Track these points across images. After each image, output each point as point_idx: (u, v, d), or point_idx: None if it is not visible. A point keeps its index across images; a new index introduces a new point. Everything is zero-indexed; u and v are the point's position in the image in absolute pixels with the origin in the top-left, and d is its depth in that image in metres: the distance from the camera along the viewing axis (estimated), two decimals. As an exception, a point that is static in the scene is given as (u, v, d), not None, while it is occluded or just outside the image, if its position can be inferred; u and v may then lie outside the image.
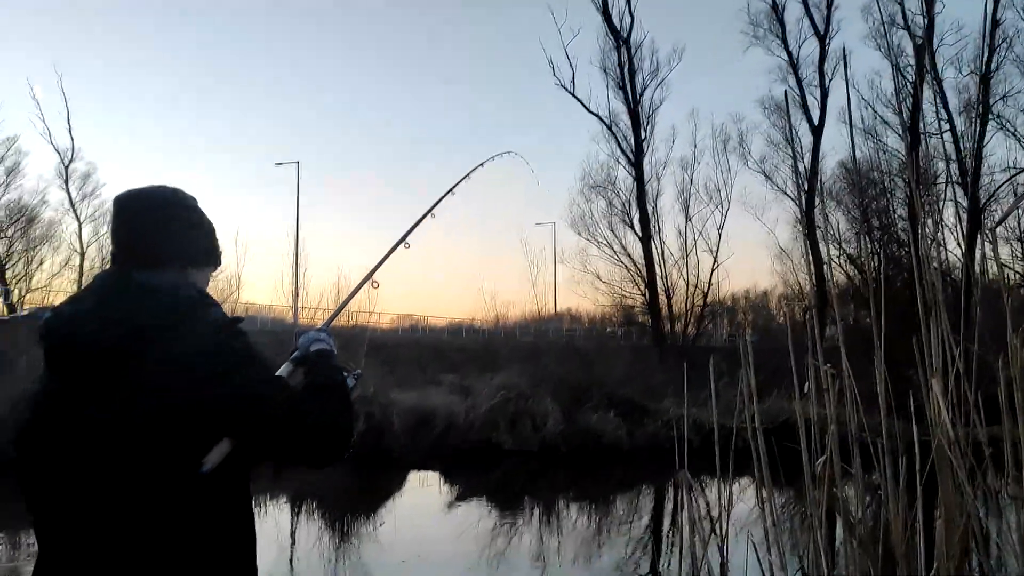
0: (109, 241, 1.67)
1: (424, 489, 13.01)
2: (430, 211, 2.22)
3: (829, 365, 1.78)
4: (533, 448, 14.76)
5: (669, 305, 28.86)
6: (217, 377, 1.43)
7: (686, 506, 1.96)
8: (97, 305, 1.51)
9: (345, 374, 1.70)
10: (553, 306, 33.11)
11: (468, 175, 2.39)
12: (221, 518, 1.49)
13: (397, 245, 2.13)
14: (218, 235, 1.75)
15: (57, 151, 31.00)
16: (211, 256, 1.74)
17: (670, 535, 9.71)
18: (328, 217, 47.28)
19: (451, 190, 2.28)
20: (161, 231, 1.63)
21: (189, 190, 1.73)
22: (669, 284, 29.00)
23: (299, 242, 29.58)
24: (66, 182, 30.85)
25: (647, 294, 28.43)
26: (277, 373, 1.66)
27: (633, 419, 15.78)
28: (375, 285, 2.05)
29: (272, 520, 9.82)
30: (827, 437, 1.81)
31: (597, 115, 29.31)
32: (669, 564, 7.85)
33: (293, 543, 8.73)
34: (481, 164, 2.46)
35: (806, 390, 1.83)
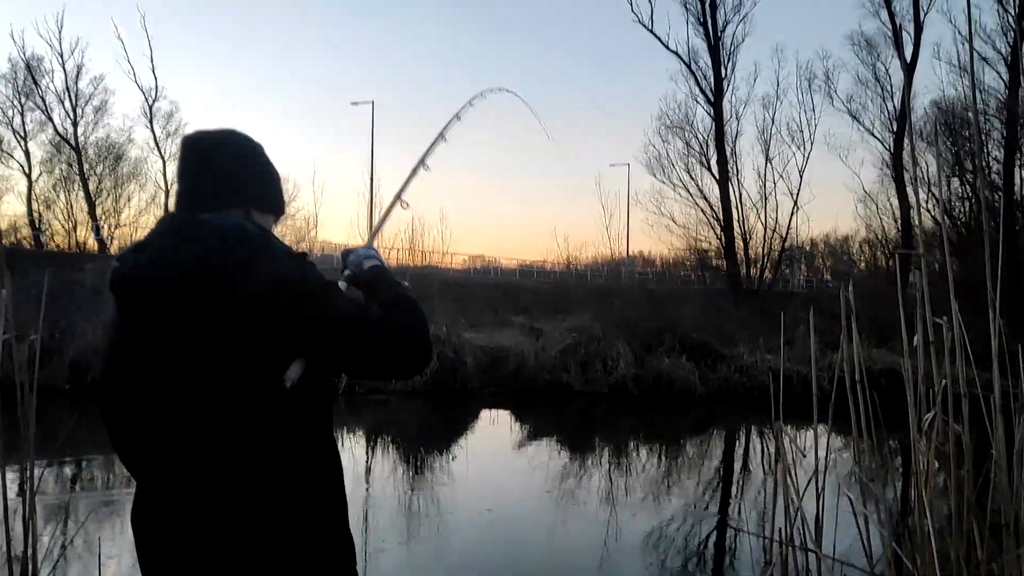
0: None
1: (495, 427, 13.22)
2: (441, 134, 2.18)
3: (945, 318, 1.69)
4: (603, 390, 14.83)
5: (745, 249, 28.25)
6: (298, 302, 1.44)
7: (782, 456, 1.91)
8: (167, 249, 1.50)
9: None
10: (626, 249, 32.82)
11: (470, 102, 2.30)
12: (308, 439, 1.52)
13: (417, 168, 2.11)
14: (283, 184, 1.76)
15: (141, 90, 32.01)
16: (276, 202, 1.75)
17: (742, 482, 9.67)
18: (402, 157, 47.53)
19: (453, 119, 2.21)
20: (227, 173, 1.65)
21: (266, 131, 1.73)
22: (746, 228, 28.36)
23: (374, 181, 29.93)
24: (150, 121, 31.81)
25: (723, 238, 27.86)
26: None
27: (706, 364, 15.64)
28: (404, 206, 2.05)
29: (348, 453, 10.15)
30: (934, 391, 1.72)
31: (676, 52, 28.47)
32: (739, 511, 7.82)
33: (368, 474, 9.01)
34: (470, 102, 2.32)
35: (915, 343, 1.74)
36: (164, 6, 49.02)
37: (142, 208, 31.99)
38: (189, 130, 1.79)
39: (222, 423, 1.42)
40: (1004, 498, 1.64)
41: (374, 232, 2.01)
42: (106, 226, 30.89)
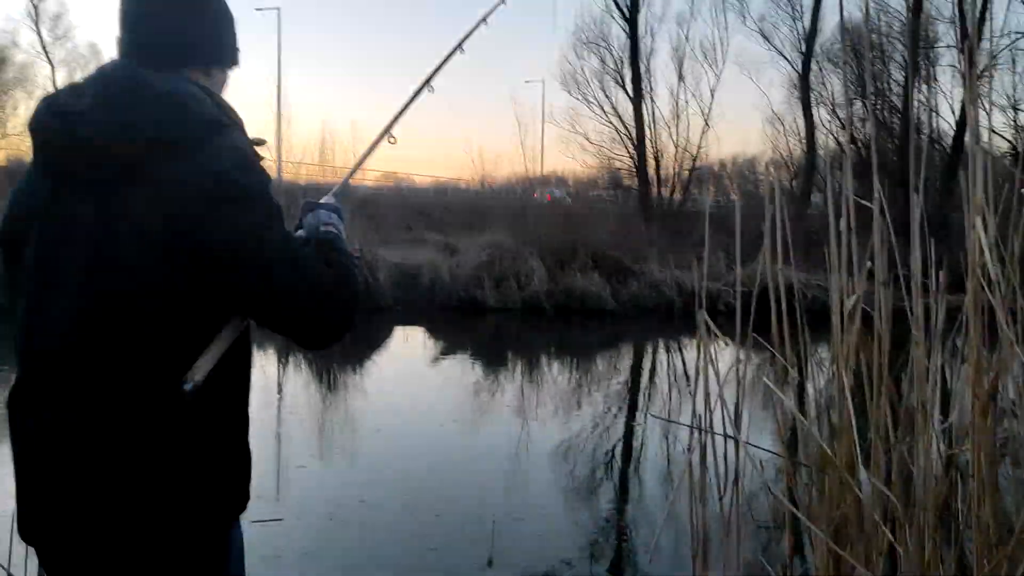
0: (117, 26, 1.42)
1: (409, 343, 13.19)
2: (460, 45, 1.95)
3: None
4: (517, 306, 14.92)
5: (657, 168, 28.55)
6: (233, 208, 1.27)
7: (702, 352, 1.88)
8: (104, 104, 1.29)
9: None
10: (540, 167, 32.71)
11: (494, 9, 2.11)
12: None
13: (420, 89, 1.88)
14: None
15: (28, -5, 29.34)
16: (235, 54, 1.53)
17: (650, 390, 9.98)
18: (312, 68, 45.48)
19: (474, 31, 2.01)
20: (187, 23, 1.42)
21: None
22: (658, 147, 28.59)
23: (280, 93, 28.64)
24: (36, 23, 29.44)
25: (635, 156, 28.05)
26: None
27: (617, 280, 15.90)
28: (392, 140, 1.83)
29: (259, 369, 9.93)
30: (854, 279, 1.72)
31: (591, -36, 27.88)
32: (646, 416, 8.06)
33: (280, 391, 8.86)
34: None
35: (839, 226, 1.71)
36: None
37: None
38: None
39: (132, 316, 1.26)
40: (920, 377, 1.66)
41: (351, 171, 1.81)
42: (-11, 136, 28.76)
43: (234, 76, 1.57)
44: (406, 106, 1.84)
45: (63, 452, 1.29)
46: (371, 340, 12.42)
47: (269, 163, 1.48)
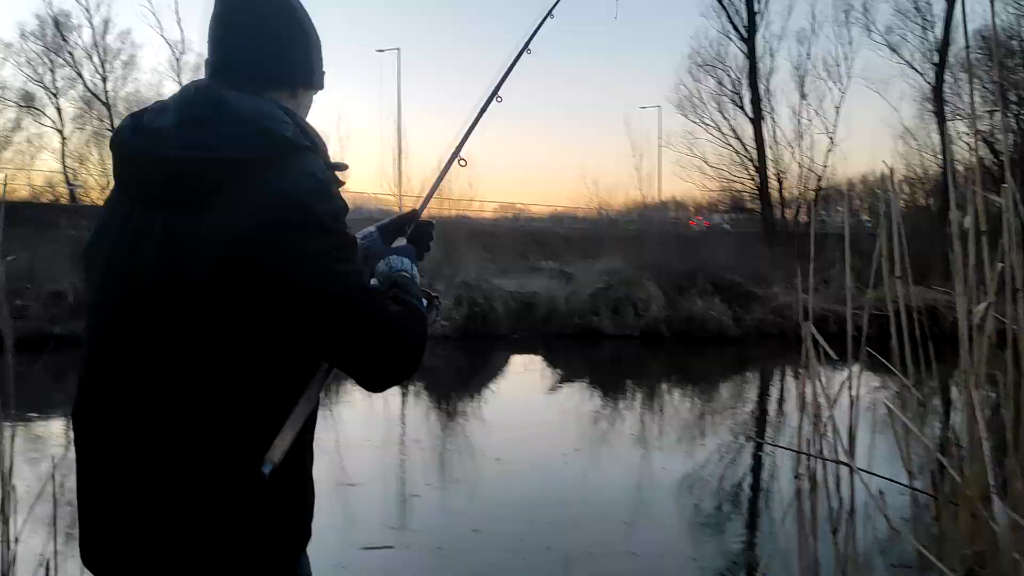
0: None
1: (527, 371, 13.17)
2: (526, 46, 1.90)
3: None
4: (635, 333, 14.67)
5: (780, 190, 27.64)
6: (294, 239, 1.23)
7: (809, 359, 1.73)
8: (182, 122, 1.30)
9: (425, 301, 1.48)
10: (658, 193, 32.28)
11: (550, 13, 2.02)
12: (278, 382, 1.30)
13: (490, 100, 1.80)
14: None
15: (168, 44, 31.86)
16: (320, 77, 1.52)
17: (778, 419, 9.51)
18: (428, 105, 46.84)
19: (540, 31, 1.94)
20: (273, 45, 1.42)
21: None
22: (781, 168, 27.69)
23: (400, 130, 29.64)
24: (178, 75, 31.71)
25: (757, 178, 27.27)
26: None
27: (739, 305, 15.39)
28: (462, 163, 1.75)
29: (381, 399, 10.16)
30: (985, 284, 1.54)
31: (707, -15, 27.50)
32: (761, 443, 7.66)
33: (402, 419, 9.01)
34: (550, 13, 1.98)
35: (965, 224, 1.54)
36: (186, -40, 48.54)
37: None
38: None
39: (190, 341, 1.24)
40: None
41: (428, 197, 1.73)
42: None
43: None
44: (476, 119, 1.76)
45: (123, 479, 1.28)
46: (489, 369, 12.50)
47: (347, 190, 1.43)
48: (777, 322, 15.01)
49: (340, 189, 1.37)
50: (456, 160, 1.76)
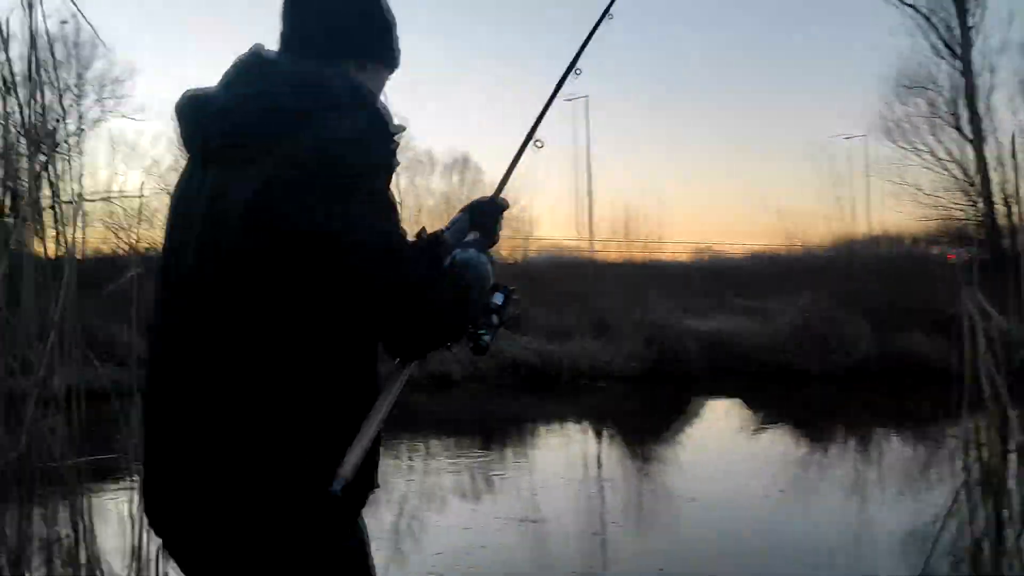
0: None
1: (723, 414, 12.64)
2: (584, 43, 1.80)
3: None
4: (840, 372, 13.66)
5: (1008, 216, 24.98)
6: (328, 190, 1.22)
7: None
8: (231, 82, 1.36)
9: (496, 290, 1.48)
10: (864, 224, 30.23)
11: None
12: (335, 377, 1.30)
13: (556, 91, 1.72)
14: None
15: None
16: (391, 55, 1.53)
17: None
18: (614, 147, 46.87)
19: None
20: (339, 15, 1.45)
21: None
22: (1008, 192, 25.07)
23: (590, 178, 29.96)
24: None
25: (981, 204, 24.85)
26: None
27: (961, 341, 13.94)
28: (539, 144, 1.70)
29: (576, 442, 10.16)
30: None
31: (911, 5, 25.78)
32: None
33: (598, 463, 8.93)
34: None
35: None
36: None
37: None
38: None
39: (235, 298, 1.26)
40: None
41: (502, 182, 1.70)
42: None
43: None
44: (546, 106, 1.70)
45: (183, 443, 1.31)
46: (684, 409, 12.14)
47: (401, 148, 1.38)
48: (1009, 358, 13.43)
49: (397, 151, 1.35)
50: (532, 142, 1.71)
